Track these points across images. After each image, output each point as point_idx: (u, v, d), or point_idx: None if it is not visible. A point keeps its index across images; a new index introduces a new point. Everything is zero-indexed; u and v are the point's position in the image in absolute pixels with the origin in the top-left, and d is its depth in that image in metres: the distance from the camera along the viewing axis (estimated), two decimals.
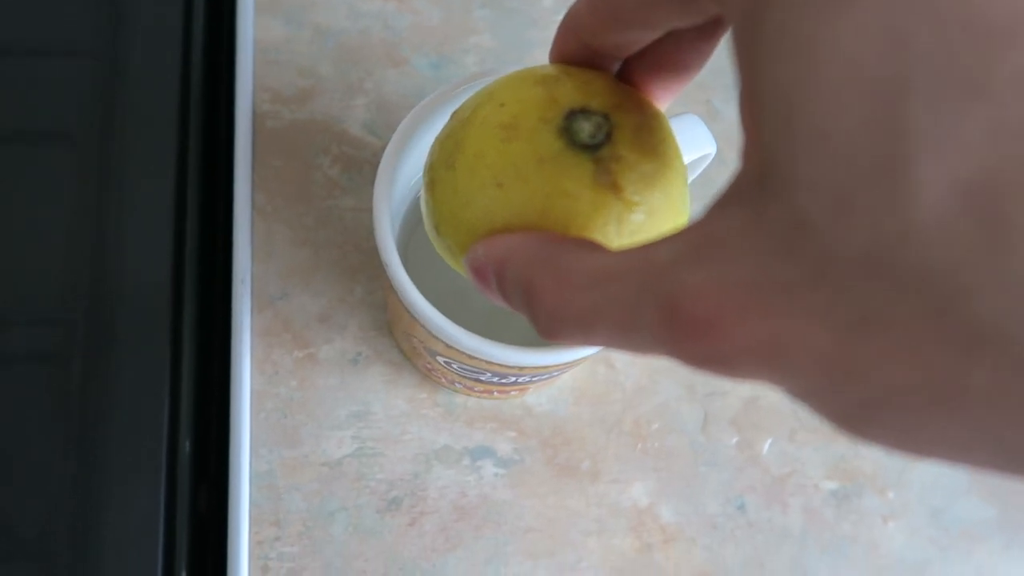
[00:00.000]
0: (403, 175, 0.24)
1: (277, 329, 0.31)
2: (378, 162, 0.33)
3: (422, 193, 0.19)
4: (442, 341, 0.22)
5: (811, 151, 0.10)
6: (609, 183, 0.15)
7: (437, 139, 0.18)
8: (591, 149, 0.15)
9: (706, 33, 0.16)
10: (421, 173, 0.27)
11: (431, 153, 0.18)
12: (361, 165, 0.33)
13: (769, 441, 0.32)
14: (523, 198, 0.16)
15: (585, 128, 0.15)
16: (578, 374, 0.32)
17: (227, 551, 0.28)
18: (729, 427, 0.32)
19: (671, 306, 0.12)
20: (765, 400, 0.33)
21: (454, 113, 0.18)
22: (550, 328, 0.14)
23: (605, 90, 0.16)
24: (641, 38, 0.16)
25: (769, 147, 0.11)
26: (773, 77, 0.11)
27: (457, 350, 0.22)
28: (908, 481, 0.33)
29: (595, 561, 0.30)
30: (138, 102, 0.32)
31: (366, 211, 0.32)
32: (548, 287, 0.14)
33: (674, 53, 0.17)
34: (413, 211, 0.28)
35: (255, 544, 0.29)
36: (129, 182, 0.31)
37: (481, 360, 0.22)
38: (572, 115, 0.16)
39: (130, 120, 0.32)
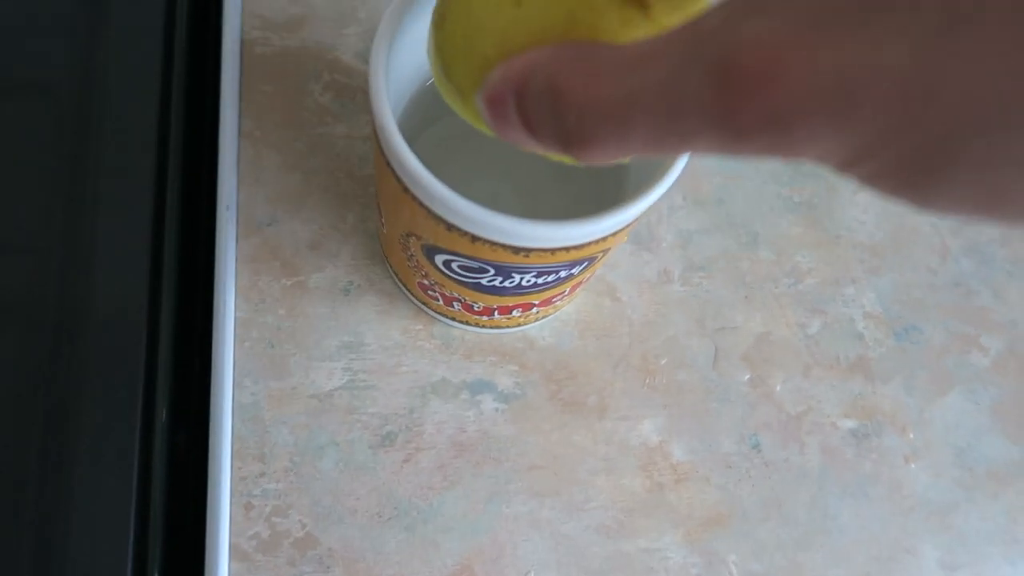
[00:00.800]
0: (400, 69, 0.23)
1: (264, 256, 0.29)
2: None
3: (429, 37, 0.17)
4: (443, 222, 0.20)
5: None
6: None
7: None
8: None
9: None
10: (415, 78, 0.26)
11: None
12: (354, 93, 0.32)
13: (783, 377, 0.31)
14: (544, 15, 0.14)
15: None
16: (582, 306, 0.30)
17: (207, 487, 0.26)
18: (741, 363, 0.31)
19: (724, 65, 0.10)
20: (778, 335, 0.31)
21: None
22: (582, 131, 0.13)
23: None
24: None
25: None
26: None
27: (459, 232, 0.20)
28: (929, 419, 0.31)
29: (604, 501, 0.28)
30: (121, 27, 0.31)
31: (359, 139, 0.31)
32: (578, 82, 0.12)
33: None
34: (412, 113, 0.27)
35: (238, 480, 0.27)
36: (109, 111, 0.29)
37: (483, 241, 0.20)
38: None
39: (111, 47, 0.30)
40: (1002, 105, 0.09)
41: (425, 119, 0.27)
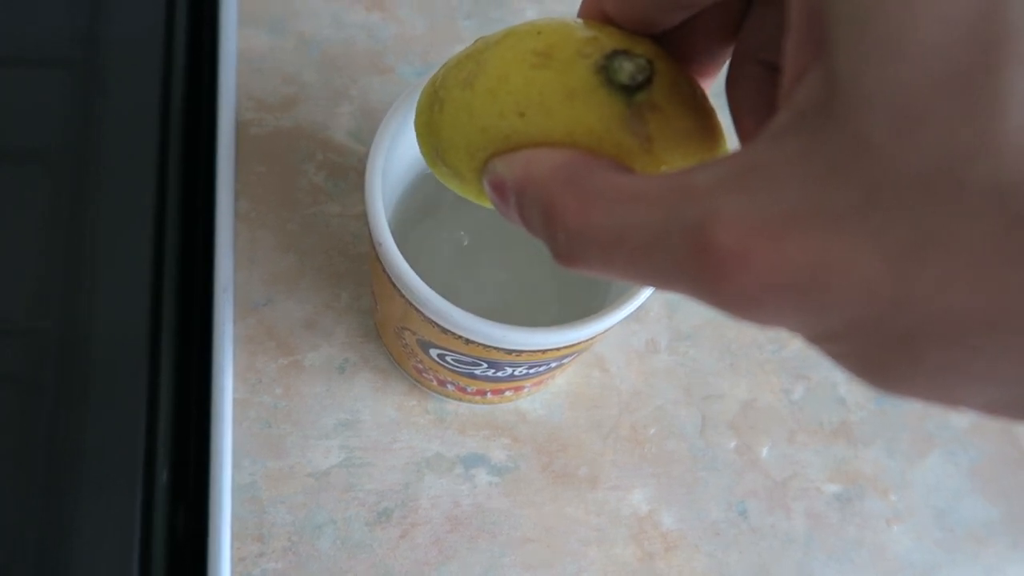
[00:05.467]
0: (397, 161, 0.24)
1: (261, 336, 0.30)
2: (364, 169, 0.32)
3: (420, 113, 0.17)
4: (437, 326, 0.21)
5: (881, 62, 0.09)
6: (642, 132, 0.14)
7: (451, 59, 0.16)
8: (628, 92, 0.14)
9: (733, 18, 0.16)
10: (410, 171, 0.27)
11: (441, 70, 0.17)
12: (347, 172, 0.32)
13: (768, 444, 0.32)
14: (544, 132, 0.14)
15: (626, 68, 0.14)
16: (572, 378, 0.31)
17: (207, 568, 0.27)
18: (728, 430, 0.31)
19: (700, 235, 0.11)
20: (763, 401, 0.32)
21: (480, 39, 0.16)
22: (569, 251, 0.13)
23: (648, 43, 0.15)
24: (671, 17, 0.15)
25: (836, 66, 0.10)
26: None
27: (453, 335, 0.21)
28: (910, 482, 0.32)
29: (596, 572, 0.29)
30: (117, 111, 0.31)
31: (352, 217, 0.32)
32: (570, 205, 0.13)
33: (703, 39, 0.16)
34: (405, 208, 0.27)
35: (237, 560, 0.27)
36: (106, 192, 0.30)
37: (477, 344, 0.21)
38: (614, 54, 0.14)
39: (108, 129, 0.31)
40: (963, 326, 0.09)
41: (432, 197, 0.28)
